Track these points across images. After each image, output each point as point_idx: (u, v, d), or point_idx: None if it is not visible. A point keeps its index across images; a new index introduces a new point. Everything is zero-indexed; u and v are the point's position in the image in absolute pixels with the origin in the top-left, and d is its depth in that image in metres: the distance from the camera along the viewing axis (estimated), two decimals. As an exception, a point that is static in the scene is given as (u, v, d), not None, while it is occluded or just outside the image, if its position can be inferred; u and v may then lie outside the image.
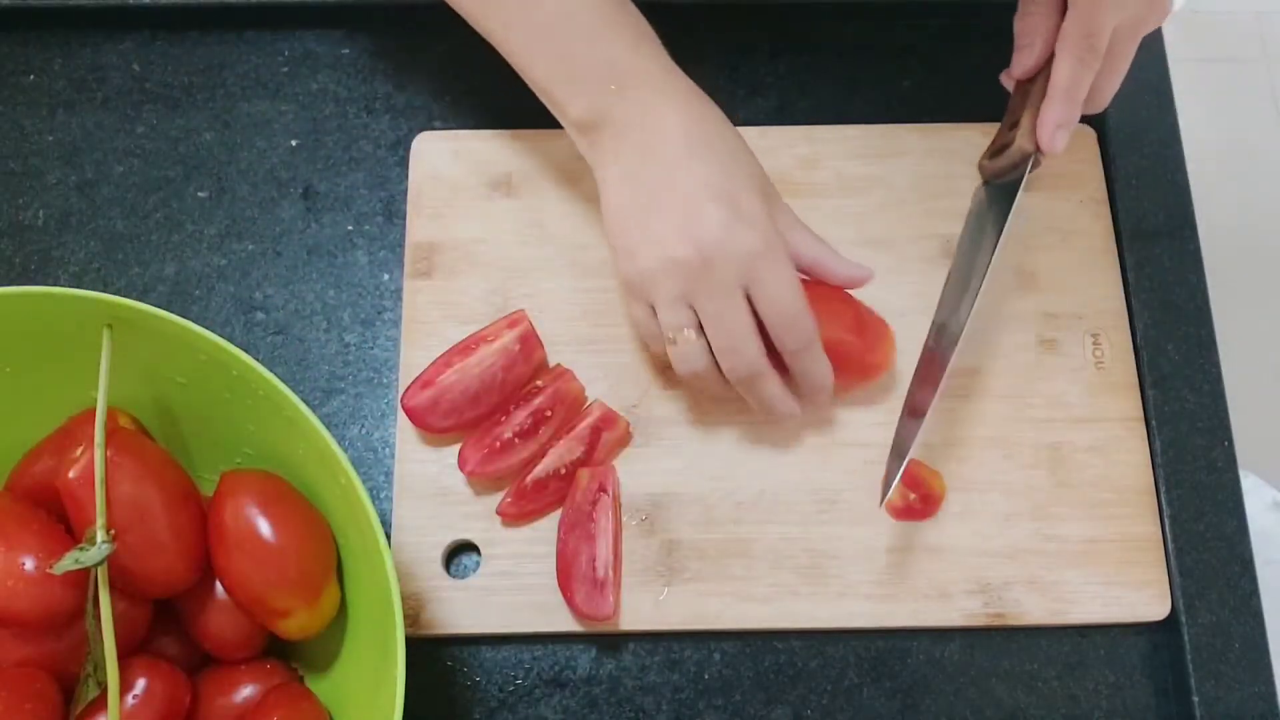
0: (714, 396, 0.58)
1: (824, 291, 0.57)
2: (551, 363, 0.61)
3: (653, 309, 0.55)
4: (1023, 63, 0.59)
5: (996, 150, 0.61)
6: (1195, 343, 0.62)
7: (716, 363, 0.55)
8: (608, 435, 0.59)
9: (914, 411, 0.56)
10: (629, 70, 0.54)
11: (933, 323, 0.58)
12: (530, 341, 0.60)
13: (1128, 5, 0.55)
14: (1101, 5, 0.55)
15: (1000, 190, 0.60)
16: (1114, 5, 0.55)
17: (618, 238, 0.55)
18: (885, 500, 0.55)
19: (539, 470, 0.58)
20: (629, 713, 0.57)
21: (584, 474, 0.58)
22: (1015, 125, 0.60)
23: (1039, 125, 0.58)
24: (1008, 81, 0.62)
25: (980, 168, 0.61)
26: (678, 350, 0.55)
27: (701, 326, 0.54)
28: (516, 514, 0.58)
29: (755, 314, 0.54)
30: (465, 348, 0.60)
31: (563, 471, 0.58)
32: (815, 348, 0.55)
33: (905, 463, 0.54)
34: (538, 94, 0.57)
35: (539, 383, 0.60)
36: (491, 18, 0.56)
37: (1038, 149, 0.58)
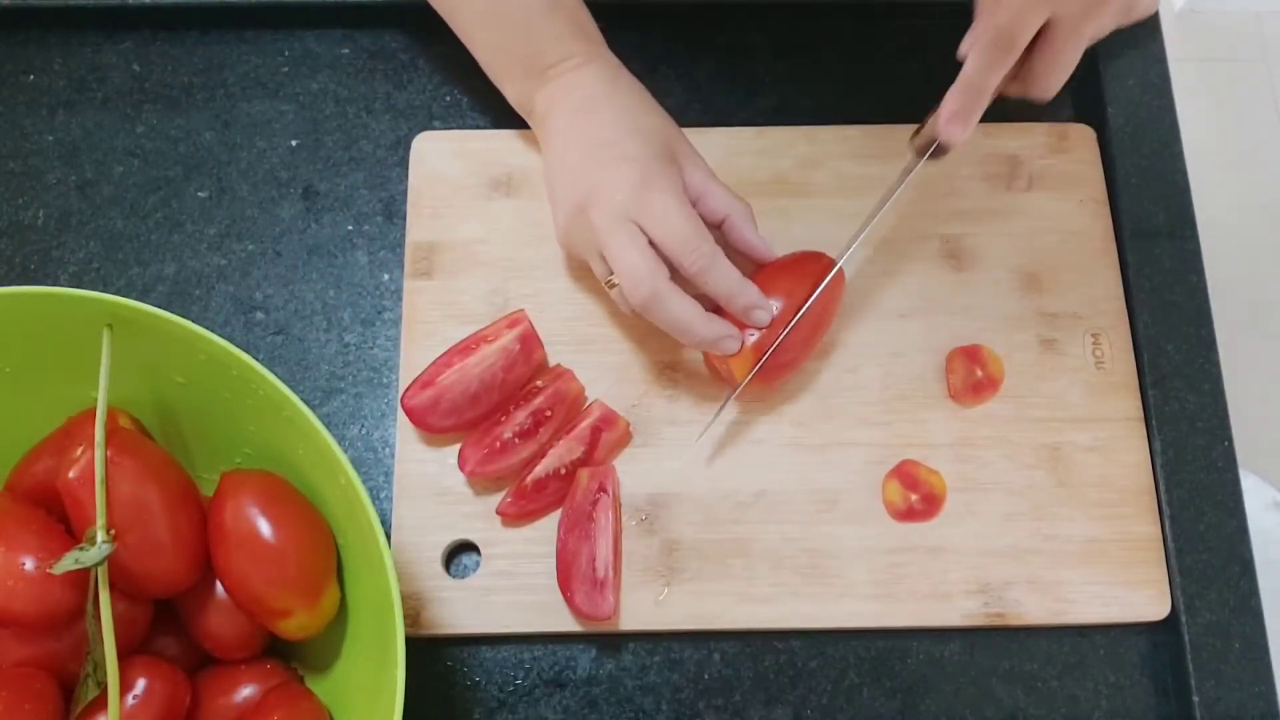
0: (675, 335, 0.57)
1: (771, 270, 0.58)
2: (551, 362, 0.61)
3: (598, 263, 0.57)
4: (962, 48, 0.58)
5: (916, 132, 0.60)
6: (1195, 343, 0.62)
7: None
8: (608, 435, 0.59)
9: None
10: (554, 59, 0.58)
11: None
12: (530, 341, 0.60)
13: (1061, 4, 0.54)
14: (1022, 1, 0.54)
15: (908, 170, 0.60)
16: (1043, 1, 0.54)
17: (552, 206, 0.59)
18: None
19: (539, 470, 0.58)
20: (629, 713, 0.57)
21: (584, 474, 0.58)
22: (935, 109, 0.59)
23: (940, 112, 0.57)
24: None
25: (909, 144, 0.60)
26: (615, 294, 0.57)
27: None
28: (517, 514, 0.58)
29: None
30: (465, 348, 0.60)
31: (563, 471, 0.58)
32: (718, 265, 0.55)
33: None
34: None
35: (539, 383, 0.60)
36: (442, 2, 0.61)
37: (935, 135, 0.57)
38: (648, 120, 0.58)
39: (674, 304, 0.55)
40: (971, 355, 0.61)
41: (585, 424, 0.59)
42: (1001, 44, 0.55)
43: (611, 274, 0.56)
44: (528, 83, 0.60)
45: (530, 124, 0.62)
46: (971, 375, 0.61)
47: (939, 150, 0.58)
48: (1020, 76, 0.59)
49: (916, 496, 0.59)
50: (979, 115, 0.57)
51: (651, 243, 0.54)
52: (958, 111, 0.56)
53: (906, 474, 0.59)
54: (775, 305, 0.57)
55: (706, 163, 0.59)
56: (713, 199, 0.57)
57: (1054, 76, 0.58)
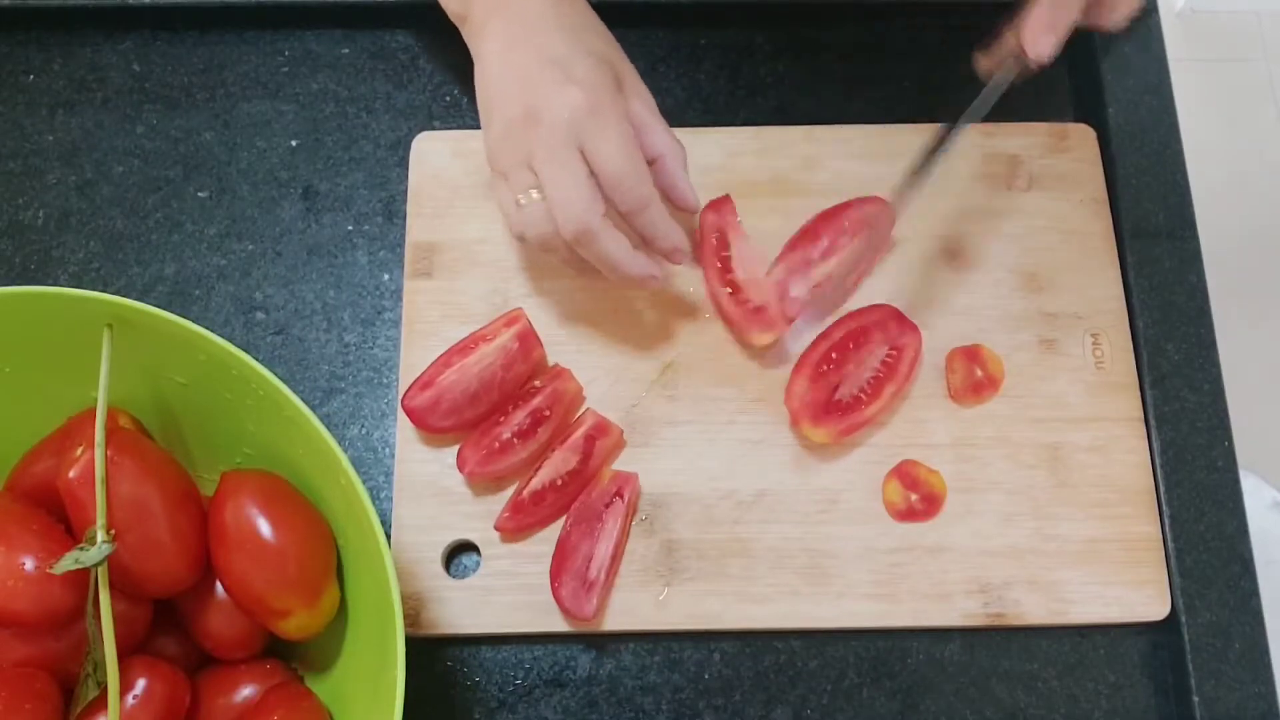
0: (569, 264, 0.57)
1: None
2: (550, 362, 0.61)
3: (504, 182, 0.56)
4: None
5: (991, 46, 0.58)
6: (1195, 343, 0.62)
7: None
8: (602, 443, 0.59)
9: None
10: None
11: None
12: (528, 339, 0.60)
13: None
14: None
15: (991, 86, 0.58)
16: None
17: (480, 117, 0.56)
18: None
19: (535, 483, 0.58)
20: (629, 713, 0.57)
21: (607, 472, 0.58)
22: (1016, 24, 0.57)
23: (1024, 27, 0.55)
24: None
25: (975, 63, 0.59)
26: (520, 215, 0.55)
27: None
28: (515, 528, 0.58)
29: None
30: (464, 347, 0.60)
31: (559, 483, 0.58)
32: (653, 207, 0.55)
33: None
34: None
35: (537, 383, 0.60)
36: None
37: (1023, 51, 0.55)
38: (598, 44, 0.56)
39: (607, 239, 0.54)
40: (971, 355, 0.61)
41: (579, 434, 0.59)
42: None
43: (526, 193, 0.54)
44: None
45: (464, 32, 0.59)
46: (971, 375, 0.61)
47: (1023, 69, 0.56)
48: (1091, 6, 0.56)
49: (916, 496, 0.59)
50: (1068, 28, 0.55)
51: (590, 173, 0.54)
52: (1050, 23, 0.54)
53: (906, 474, 0.59)
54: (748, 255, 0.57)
55: (650, 95, 0.57)
56: (652, 135, 0.56)
57: (1126, 3, 0.56)
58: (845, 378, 0.59)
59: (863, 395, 0.60)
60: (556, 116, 0.53)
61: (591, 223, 0.53)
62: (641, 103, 0.56)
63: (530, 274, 0.63)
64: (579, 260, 0.56)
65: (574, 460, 0.58)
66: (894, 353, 0.60)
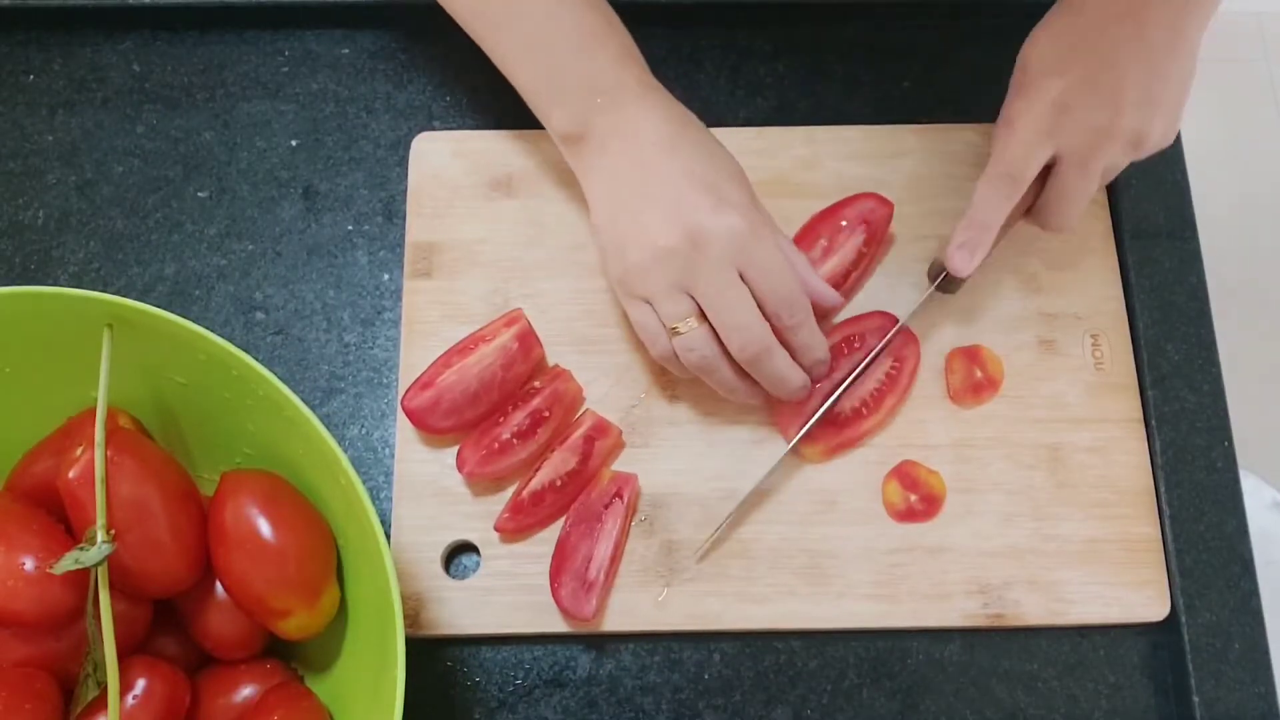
0: (724, 385, 0.57)
1: None
2: (551, 363, 0.61)
3: (650, 306, 0.55)
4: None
5: (931, 268, 0.62)
6: (1195, 343, 0.62)
7: (722, 349, 0.55)
8: (601, 444, 0.59)
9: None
10: (611, 84, 0.56)
11: None
12: (528, 340, 0.60)
13: (1067, 136, 0.54)
14: (1026, 138, 0.55)
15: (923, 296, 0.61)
16: (1046, 137, 0.55)
17: (607, 238, 0.56)
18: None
19: (535, 484, 0.58)
20: (629, 713, 0.57)
21: (607, 473, 0.58)
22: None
23: (949, 243, 0.58)
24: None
25: (928, 274, 0.62)
26: (683, 340, 0.55)
27: (702, 314, 0.54)
28: (515, 529, 0.58)
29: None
30: (464, 348, 0.60)
31: (559, 484, 0.58)
32: (811, 321, 0.56)
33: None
34: (526, 100, 0.58)
35: (536, 383, 0.60)
36: (482, 25, 0.58)
37: (943, 263, 0.58)
38: (731, 163, 0.57)
39: (780, 360, 0.55)
40: (971, 356, 0.61)
41: (578, 434, 0.59)
42: (1006, 179, 0.56)
43: (684, 320, 0.54)
44: (582, 108, 0.56)
45: (573, 151, 0.58)
46: (971, 376, 0.61)
47: (948, 282, 0.60)
48: (1034, 209, 0.59)
49: (916, 497, 0.59)
50: (987, 248, 0.57)
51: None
52: (965, 244, 0.57)
53: (906, 474, 0.59)
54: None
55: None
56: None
57: (1065, 211, 0.58)
58: (840, 388, 0.59)
59: (863, 410, 0.60)
60: (718, 241, 0.53)
61: (770, 342, 0.55)
62: (766, 215, 0.57)
63: (530, 274, 0.63)
64: (732, 379, 0.56)
65: (573, 461, 0.58)
66: (896, 365, 0.60)
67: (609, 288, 0.62)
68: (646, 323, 0.56)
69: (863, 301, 0.63)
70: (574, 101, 0.56)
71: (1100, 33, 0.54)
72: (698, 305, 0.54)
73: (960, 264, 0.57)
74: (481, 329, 0.60)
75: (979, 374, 0.61)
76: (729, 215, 0.53)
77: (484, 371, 0.59)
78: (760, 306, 0.54)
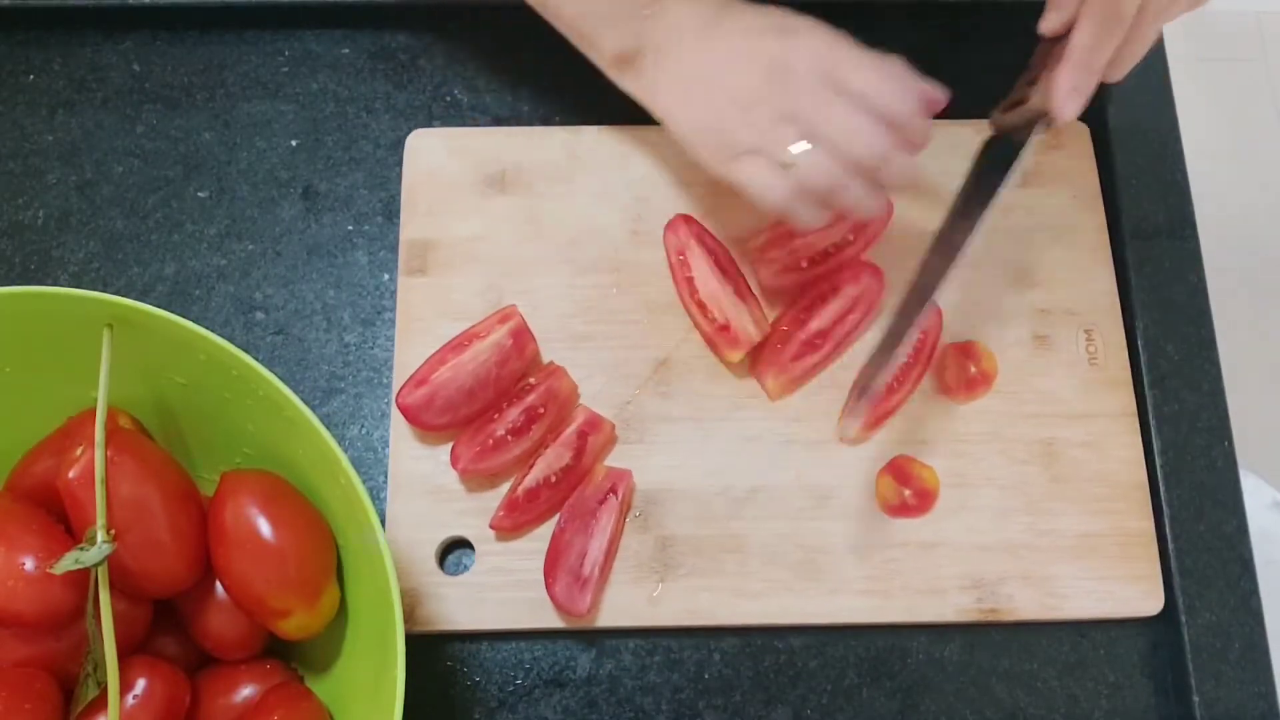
0: (858, 201, 0.55)
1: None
2: (545, 359, 0.61)
3: (755, 157, 0.55)
4: (1051, 21, 0.56)
5: (1011, 105, 0.59)
6: (1195, 342, 0.62)
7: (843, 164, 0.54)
8: (594, 439, 0.59)
9: (885, 345, 0.56)
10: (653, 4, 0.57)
11: (920, 265, 0.57)
12: (522, 336, 0.60)
13: None
14: None
15: (1006, 146, 0.58)
16: None
17: (692, 126, 0.57)
18: (841, 433, 0.57)
19: (529, 480, 0.58)
20: (629, 713, 0.57)
21: (601, 469, 0.58)
22: (1033, 82, 0.58)
23: (1052, 89, 0.55)
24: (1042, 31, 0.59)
25: (991, 120, 0.60)
26: (804, 168, 0.54)
27: (809, 140, 0.54)
28: (510, 526, 0.58)
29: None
30: (458, 344, 0.60)
31: (553, 480, 0.58)
32: (914, 105, 0.55)
33: (868, 396, 0.55)
34: (571, 37, 0.59)
35: (531, 380, 0.60)
36: None
37: (1050, 111, 0.55)
38: (788, 12, 0.57)
39: (905, 160, 0.55)
40: (964, 351, 0.61)
41: (571, 430, 0.59)
42: (1117, 16, 0.53)
43: (789, 150, 0.54)
44: (630, 24, 0.58)
45: (632, 71, 0.59)
46: (965, 371, 0.61)
47: (1047, 126, 0.57)
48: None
49: (909, 492, 0.59)
50: (1093, 89, 0.55)
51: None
52: (1077, 86, 0.55)
53: (899, 469, 0.59)
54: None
55: None
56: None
57: (1134, 53, 0.56)
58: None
59: (893, 383, 0.60)
60: (803, 60, 0.54)
61: (887, 145, 0.54)
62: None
63: (525, 271, 0.63)
64: (866, 194, 0.55)
65: (567, 456, 0.58)
66: (921, 335, 0.61)
67: (606, 281, 0.62)
68: (756, 174, 0.55)
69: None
70: (621, 19, 0.58)
71: None
72: (801, 132, 0.54)
73: (1073, 110, 0.55)
74: (476, 325, 0.60)
75: (973, 369, 0.61)
76: (799, 38, 0.55)
77: (479, 368, 0.59)
78: (871, 109, 0.54)
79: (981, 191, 0.57)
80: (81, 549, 0.45)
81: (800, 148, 0.54)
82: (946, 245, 0.57)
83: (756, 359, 0.61)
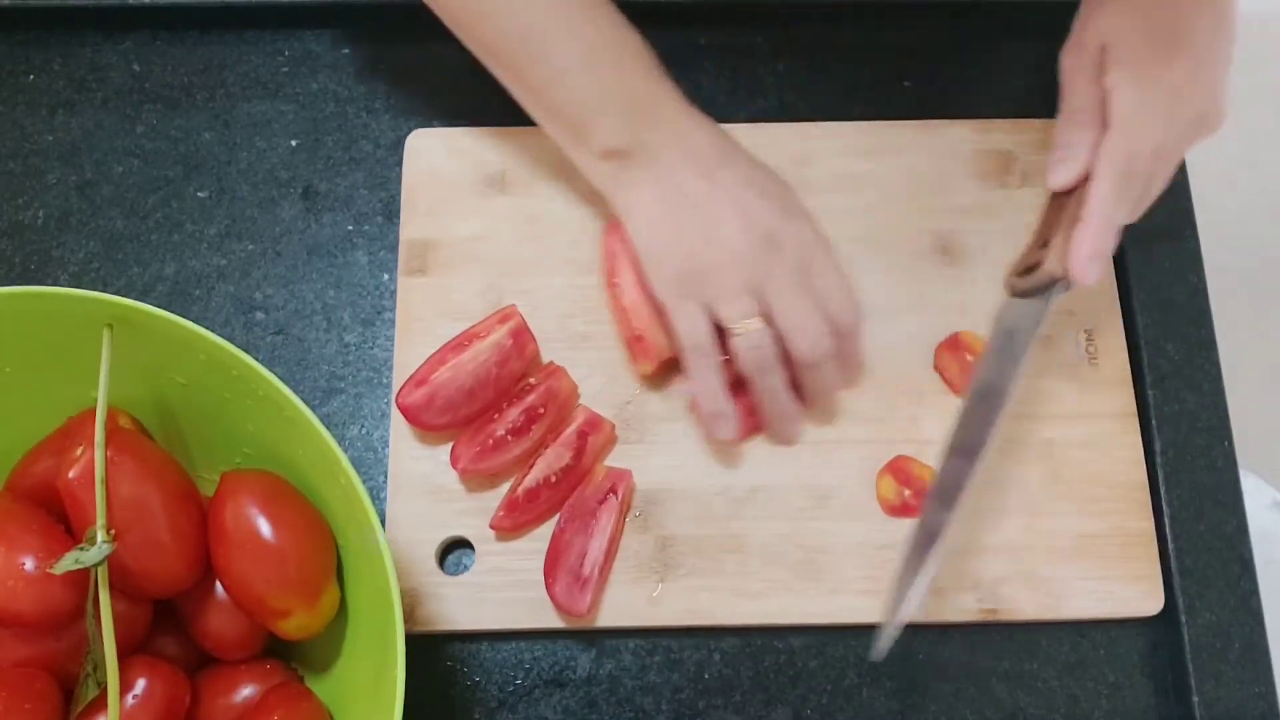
0: (770, 393, 0.57)
1: None
2: (545, 359, 0.61)
3: (702, 307, 0.56)
4: (1060, 177, 0.56)
5: (1025, 269, 0.57)
6: (1195, 343, 0.62)
7: (780, 353, 0.56)
8: (594, 439, 0.59)
9: (928, 535, 0.53)
10: (654, 100, 0.57)
11: (950, 442, 0.55)
12: (522, 336, 0.60)
13: (1175, 124, 0.53)
14: (1147, 125, 0.52)
15: (1028, 309, 0.57)
16: (1161, 125, 0.52)
17: (659, 245, 0.56)
18: (880, 652, 0.53)
19: (529, 480, 0.58)
20: (629, 713, 0.57)
21: (601, 469, 0.58)
22: (1046, 244, 0.56)
23: (1071, 254, 0.53)
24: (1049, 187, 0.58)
25: (1007, 284, 0.59)
26: (746, 340, 0.55)
27: (764, 318, 0.55)
28: (510, 526, 0.58)
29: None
30: (458, 344, 0.60)
31: (553, 479, 0.58)
32: (860, 334, 0.57)
33: (908, 607, 0.52)
34: (556, 130, 0.58)
35: (531, 380, 0.60)
36: (509, 57, 0.58)
37: (1069, 278, 0.54)
38: (780, 179, 0.58)
39: (830, 370, 0.57)
40: (953, 345, 0.61)
41: (571, 430, 0.59)
42: (1128, 176, 0.53)
43: (743, 321, 0.55)
44: (629, 123, 0.56)
45: (616, 166, 0.57)
46: (963, 362, 0.61)
47: (1065, 288, 0.55)
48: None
49: (910, 492, 0.59)
50: (1112, 251, 0.54)
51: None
52: (1096, 252, 0.52)
53: (900, 470, 0.59)
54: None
55: None
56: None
57: (1148, 199, 0.56)
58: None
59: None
60: (791, 245, 0.55)
61: (830, 347, 0.56)
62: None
63: (524, 271, 0.63)
64: (774, 385, 0.57)
65: (567, 456, 0.58)
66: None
67: (608, 285, 0.62)
68: (695, 323, 0.56)
69: (860, 297, 0.63)
70: (620, 117, 0.56)
71: (1177, 12, 0.54)
72: (759, 308, 0.55)
73: (1095, 276, 0.53)
74: (476, 325, 0.60)
75: (969, 357, 0.61)
76: (800, 223, 0.56)
77: (479, 368, 0.59)
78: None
79: (1009, 361, 0.56)
80: (81, 549, 0.45)
81: (752, 324, 0.55)
82: (973, 431, 0.55)
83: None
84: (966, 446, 0.54)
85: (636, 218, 0.57)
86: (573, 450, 0.59)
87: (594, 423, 0.59)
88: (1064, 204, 0.56)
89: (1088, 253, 0.52)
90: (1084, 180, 0.55)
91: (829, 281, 0.56)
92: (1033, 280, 0.56)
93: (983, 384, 0.56)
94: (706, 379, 0.57)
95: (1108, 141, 0.53)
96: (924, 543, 0.53)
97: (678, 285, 0.56)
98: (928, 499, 0.54)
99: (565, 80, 0.56)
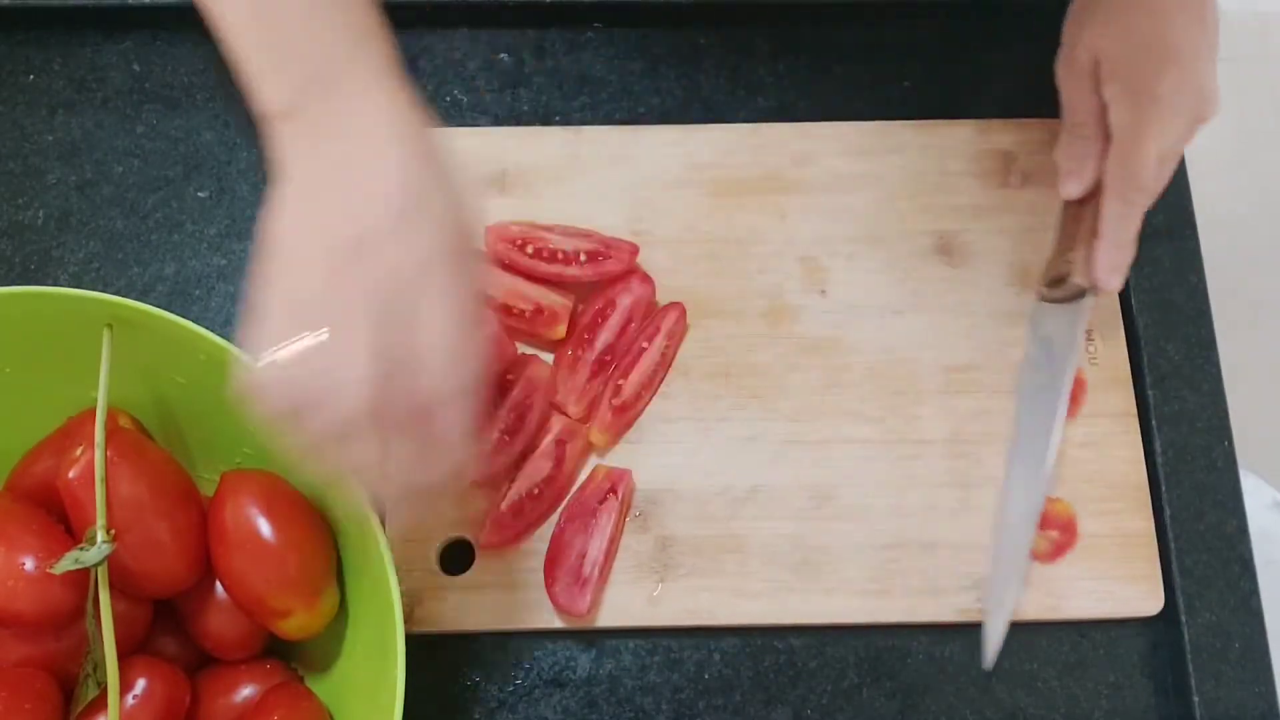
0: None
1: None
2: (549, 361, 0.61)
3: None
4: (1070, 189, 0.59)
5: (1053, 280, 0.61)
6: (1195, 343, 0.62)
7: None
8: (572, 446, 0.59)
9: (998, 600, 0.56)
10: (337, 68, 0.45)
11: (1011, 459, 0.59)
12: (499, 340, 0.60)
13: (1169, 133, 0.55)
14: (1143, 138, 0.54)
15: (1063, 315, 0.60)
16: (1156, 135, 0.54)
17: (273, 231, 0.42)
18: (990, 659, 0.57)
19: (512, 495, 0.58)
20: (629, 713, 0.57)
21: (600, 470, 0.58)
22: (1069, 251, 0.60)
23: (1094, 269, 0.58)
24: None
25: (1039, 294, 0.62)
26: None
27: None
28: (499, 543, 0.58)
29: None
30: None
31: (535, 492, 0.58)
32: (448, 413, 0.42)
33: (1007, 620, 0.56)
34: (238, 68, 0.45)
35: (509, 376, 0.60)
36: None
37: (1095, 286, 0.58)
38: (456, 198, 0.46)
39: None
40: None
41: (549, 440, 0.59)
42: (1139, 192, 0.56)
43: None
44: (297, 90, 0.44)
45: (277, 130, 0.44)
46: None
47: (1095, 294, 0.60)
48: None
49: (1057, 532, 0.59)
50: (1133, 255, 0.58)
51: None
52: (1115, 266, 0.57)
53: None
54: None
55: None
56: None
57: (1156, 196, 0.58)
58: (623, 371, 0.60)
59: (643, 392, 0.60)
60: (383, 282, 0.40)
61: (361, 428, 0.40)
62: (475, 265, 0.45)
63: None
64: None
65: (547, 467, 0.58)
66: (669, 343, 0.61)
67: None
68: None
69: (860, 297, 0.63)
70: (288, 80, 0.44)
71: (1156, 20, 0.54)
72: None
73: (1119, 283, 0.58)
74: None
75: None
76: (420, 230, 0.42)
77: None
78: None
79: (1056, 372, 0.59)
80: (81, 549, 0.45)
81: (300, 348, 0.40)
82: (1037, 427, 0.59)
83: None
84: (1033, 452, 0.58)
85: (279, 190, 0.43)
86: (552, 460, 0.58)
87: (570, 430, 0.59)
88: (1080, 213, 0.60)
89: (1108, 267, 0.57)
90: (1095, 189, 0.58)
91: (427, 343, 0.41)
92: (1062, 291, 0.60)
93: (1034, 389, 0.59)
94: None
95: (1112, 161, 0.56)
96: (1015, 544, 0.57)
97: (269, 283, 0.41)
98: (1002, 499, 0.58)
99: (248, 25, 0.45)
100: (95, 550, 0.45)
